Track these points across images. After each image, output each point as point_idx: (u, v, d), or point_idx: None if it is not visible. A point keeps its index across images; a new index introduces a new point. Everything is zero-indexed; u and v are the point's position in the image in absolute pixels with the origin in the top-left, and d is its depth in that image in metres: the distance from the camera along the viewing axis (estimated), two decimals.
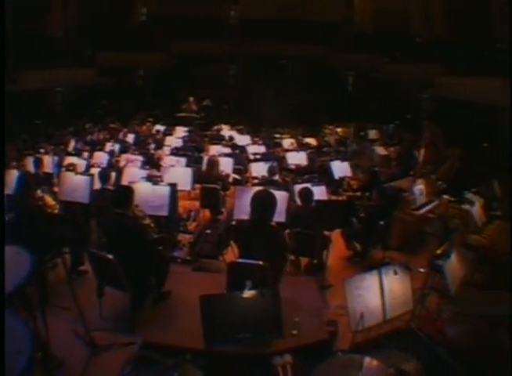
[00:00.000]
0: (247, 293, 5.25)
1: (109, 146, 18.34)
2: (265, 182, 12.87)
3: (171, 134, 22.66)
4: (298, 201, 10.47)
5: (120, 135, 22.30)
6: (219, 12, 34.77)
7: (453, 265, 7.37)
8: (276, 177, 13.35)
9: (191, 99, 29.97)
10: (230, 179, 14.15)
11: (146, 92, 32.82)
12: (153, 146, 19.72)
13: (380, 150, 20.37)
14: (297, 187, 11.17)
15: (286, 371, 5.00)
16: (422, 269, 9.05)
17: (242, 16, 34.95)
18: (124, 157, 15.95)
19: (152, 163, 15.51)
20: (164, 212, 9.59)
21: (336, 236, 10.69)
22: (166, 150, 18.42)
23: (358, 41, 33.17)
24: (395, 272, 6.01)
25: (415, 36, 32.33)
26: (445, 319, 6.62)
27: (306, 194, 10.21)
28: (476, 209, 11.05)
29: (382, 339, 6.25)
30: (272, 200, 7.21)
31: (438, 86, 26.97)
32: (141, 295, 7.39)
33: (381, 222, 10.41)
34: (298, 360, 5.20)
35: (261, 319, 5.31)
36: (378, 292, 5.84)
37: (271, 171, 13.26)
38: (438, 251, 8.59)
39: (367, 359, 4.72)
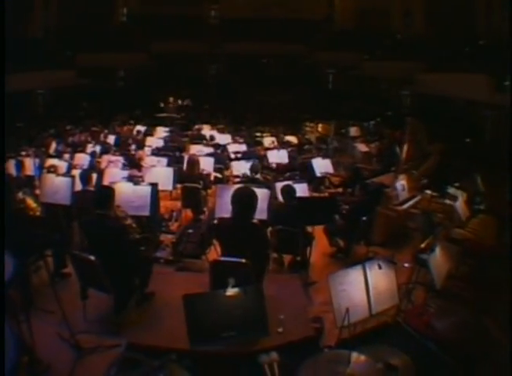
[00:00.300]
0: (230, 291, 5.19)
1: (90, 148, 18.21)
2: (247, 180, 12.82)
3: (151, 134, 22.60)
4: (280, 199, 10.42)
5: (101, 137, 22.17)
6: (199, 12, 34.78)
7: (438, 259, 7.36)
8: (258, 175, 13.30)
9: (171, 99, 29.94)
10: (211, 178, 14.11)
11: (126, 92, 32.70)
12: (133, 146, 19.65)
13: (362, 147, 20.52)
14: (279, 185, 11.13)
15: (272, 369, 4.94)
16: (406, 264, 9.08)
17: (222, 16, 35.04)
18: (105, 158, 15.87)
19: (133, 163, 15.43)
20: (146, 212, 9.51)
21: (318, 232, 10.64)
22: (147, 150, 18.36)
23: (338, 40, 33.26)
24: (380, 267, 5.97)
25: (395, 33, 32.46)
26: (432, 312, 6.61)
27: (288, 191, 10.17)
28: (459, 203, 11.09)
29: (369, 334, 6.23)
30: (253, 197, 7.15)
31: (419, 83, 27.06)
32: (124, 297, 7.30)
33: (364, 218, 10.40)
34: (285, 358, 5.14)
35: (246, 318, 5.24)
36: (363, 287, 5.80)
37: (253, 169, 13.21)
38: (422, 245, 8.57)
39: (354, 355, 4.69)
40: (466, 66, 22.77)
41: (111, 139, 21.35)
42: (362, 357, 4.69)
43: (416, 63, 28.06)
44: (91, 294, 7.29)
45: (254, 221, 7.38)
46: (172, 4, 33.43)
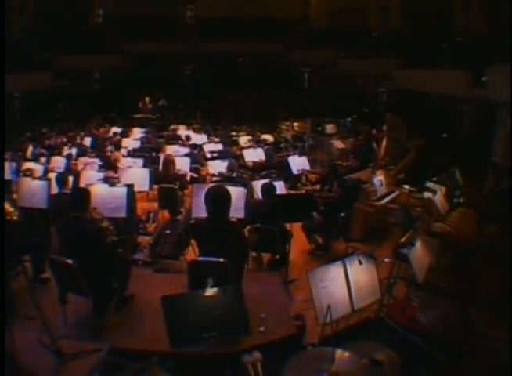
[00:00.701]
0: (209, 291, 5.12)
1: (66, 150, 18.07)
2: (223, 179, 12.85)
3: (127, 135, 22.46)
4: (260, 196, 10.39)
5: (78, 139, 22.02)
6: (175, 13, 34.69)
7: (419, 253, 7.36)
8: (235, 174, 13.28)
9: (147, 99, 29.84)
10: (188, 178, 14.03)
11: (102, 94, 32.54)
12: (110, 148, 19.53)
13: (338, 144, 20.56)
14: (257, 183, 11.14)
15: (256, 369, 4.87)
16: (387, 259, 9.07)
17: (198, 16, 34.93)
18: (82, 160, 15.76)
19: (109, 165, 15.33)
20: (122, 214, 9.41)
21: (297, 230, 10.55)
22: (123, 151, 18.26)
23: (314, 38, 33.28)
24: (360, 262, 5.93)
25: (372, 31, 32.54)
26: (416, 306, 6.59)
27: (269, 189, 10.13)
28: (438, 197, 11.15)
29: (352, 330, 6.18)
30: (226, 196, 7.07)
31: (396, 79, 27.13)
32: (104, 300, 7.20)
33: (342, 214, 10.40)
34: (268, 357, 5.07)
35: (226, 318, 5.18)
36: (344, 283, 5.76)
37: (230, 168, 13.20)
38: (402, 240, 8.56)
39: (339, 352, 4.63)
40: (444, 62, 22.83)
41: (87, 141, 21.15)
42: (346, 354, 4.64)
43: (392, 60, 28.10)
44: (70, 299, 7.16)
45: (231, 220, 7.32)
46: (148, 4, 33.29)
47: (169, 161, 13.18)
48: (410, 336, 5.85)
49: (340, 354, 4.61)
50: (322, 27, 34.04)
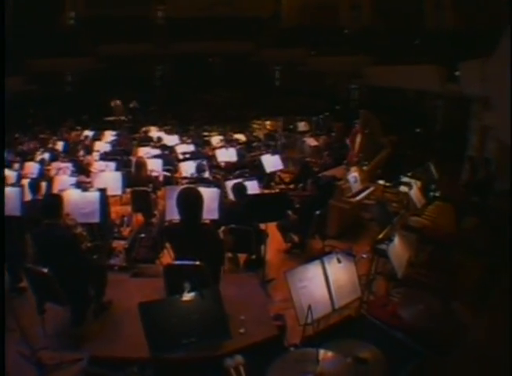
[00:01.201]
0: (187, 296, 5.04)
1: (39, 155, 17.85)
2: (195, 180, 12.73)
3: (100, 139, 22.27)
4: (232, 197, 10.33)
5: (50, 144, 21.79)
6: (146, 13, 34.54)
7: (397, 248, 7.37)
8: (206, 174, 13.29)
9: (118, 102, 29.63)
10: (161, 178, 13.96)
11: (74, 97, 32.29)
12: (82, 152, 19.37)
13: (311, 141, 20.62)
14: (229, 183, 11.12)
15: (239, 373, 4.80)
16: (364, 255, 9.07)
17: (169, 16, 34.77)
18: (55, 165, 15.59)
19: (81, 169, 15.17)
20: (96, 219, 9.29)
21: (272, 229, 10.55)
22: (95, 155, 18.10)
23: (285, 36, 33.28)
24: (339, 261, 5.89)
25: (343, 28, 32.61)
26: (397, 302, 6.56)
27: (239, 189, 10.08)
28: (414, 192, 11.21)
29: (334, 329, 6.12)
30: (197, 197, 6.97)
31: (368, 76, 27.22)
32: (81, 308, 7.06)
33: (317, 212, 10.37)
34: (250, 360, 5.00)
35: (205, 322, 5.11)
36: (323, 282, 5.74)
37: (199, 169, 13.15)
38: (380, 236, 8.56)
39: (322, 352, 4.55)
40: (416, 58, 22.94)
41: (60, 145, 20.93)
42: (330, 353, 4.56)
43: (364, 57, 28.18)
44: (48, 308, 7.01)
45: (205, 221, 7.25)
46: (119, 6, 33.06)
47: (140, 164, 13.11)
48: (393, 332, 5.80)
49: (324, 354, 4.55)
50: (293, 25, 34.05)
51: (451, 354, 5.64)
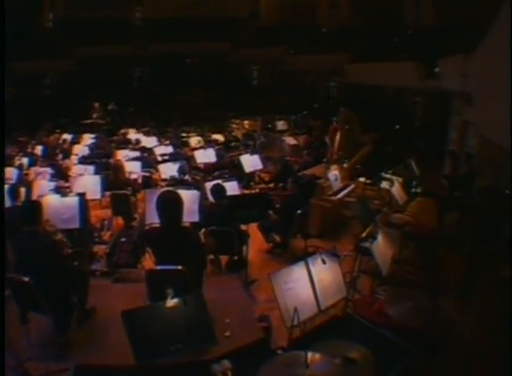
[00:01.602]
0: (170, 302, 4.98)
1: (17, 160, 17.69)
2: (175, 182, 12.71)
3: (78, 142, 22.14)
4: (211, 198, 10.26)
5: (29, 148, 21.62)
6: (124, 15, 34.43)
7: (381, 246, 7.38)
8: (187, 176, 13.19)
9: (96, 104, 29.48)
10: (140, 181, 13.86)
11: (52, 100, 32.10)
12: (61, 156, 19.24)
13: (290, 140, 20.63)
14: (209, 185, 11.03)
15: None
16: (346, 253, 9.08)
17: (146, 17, 34.69)
18: (33, 170, 15.47)
19: (60, 174, 15.05)
20: (76, 224, 9.21)
21: (253, 229, 10.53)
22: (74, 158, 17.96)
23: (263, 35, 33.27)
24: (324, 262, 5.87)
25: (321, 26, 32.65)
26: (383, 300, 6.55)
27: (218, 191, 10.03)
28: (396, 188, 11.28)
29: (321, 330, 6.08)
30: (177, 200, 6.90)
31: (347, 74, 27.27)
32: (65, 316, 6.95)
33: (299, 211, 10.33)
34: (238, 364, 4.96)
35: (190, 328, 5.06)
36: (308, 283, 5.72)
37: (181, 171, 13.09)
38: (364, 234, 8.55)
39: (310, 354, 4.50)
40: (395, 55, 23.04)
41: (39, 149, 20.76)
42: (317, 356, 4.51)
43: (343, 55, 28.23)
44: (32, 318, 6.89)
45: (185, 225, 7.20)
46: (97, 7, 32.94)
47: (118, 167, 13.04)
48: (381, 331, 5.78)
49: (312, 357, 4.50)
50: (271, 25, 34.05)
51: (439, 352, 5.64)
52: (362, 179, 14.12)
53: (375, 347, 5.00)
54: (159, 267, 6.82)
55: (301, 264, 5.78)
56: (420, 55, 20.41)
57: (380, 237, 7.44)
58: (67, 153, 19.35)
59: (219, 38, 33.59)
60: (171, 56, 33.88)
